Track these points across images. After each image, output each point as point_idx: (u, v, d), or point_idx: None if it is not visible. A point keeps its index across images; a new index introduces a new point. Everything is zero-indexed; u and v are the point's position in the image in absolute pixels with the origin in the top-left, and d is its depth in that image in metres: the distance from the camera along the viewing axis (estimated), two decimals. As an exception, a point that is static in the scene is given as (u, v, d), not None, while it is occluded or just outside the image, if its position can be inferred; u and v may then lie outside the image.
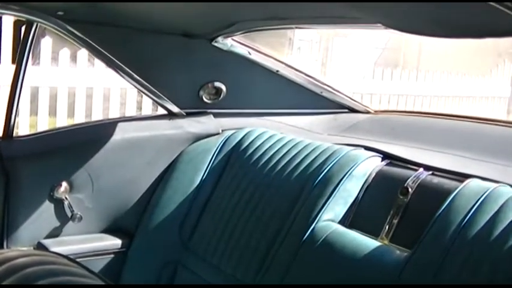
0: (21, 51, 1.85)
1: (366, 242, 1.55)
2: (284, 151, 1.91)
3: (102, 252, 1.99)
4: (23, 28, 1.84)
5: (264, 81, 2.21)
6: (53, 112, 5.14)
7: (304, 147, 1.89)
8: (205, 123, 2.17)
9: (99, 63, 5.04)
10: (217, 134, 2.17)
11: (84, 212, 1.98)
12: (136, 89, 2.34)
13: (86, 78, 5.20)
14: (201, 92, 2.14)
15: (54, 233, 1.96)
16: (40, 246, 1.90)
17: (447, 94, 8.27)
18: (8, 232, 1.86)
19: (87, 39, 1.85)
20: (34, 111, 5.06)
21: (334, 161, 1.75)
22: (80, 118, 5.23)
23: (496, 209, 1.38)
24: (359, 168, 1.72)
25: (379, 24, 1.41)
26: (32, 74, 4.61)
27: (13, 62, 4.62)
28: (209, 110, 2.20)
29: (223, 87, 2.15)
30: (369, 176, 1.72)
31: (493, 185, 1.45)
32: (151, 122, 2.14)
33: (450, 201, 1.45)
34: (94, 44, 1.87)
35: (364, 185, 1.70)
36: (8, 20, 4.82)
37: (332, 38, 9.68)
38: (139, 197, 2.08)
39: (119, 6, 1.66)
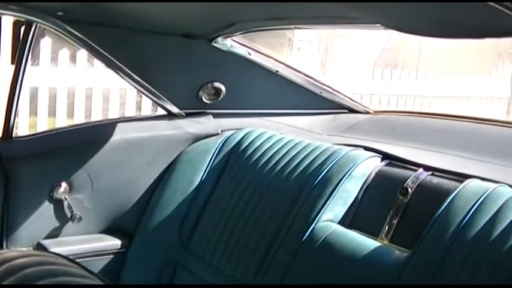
0: (20, 52, 1.85)
1: (365, 243, 1.55)
2: (284, 151, 1.91)
3: (101, 252, 1.99)
4: (23, 28, 1.84)
5: (263, 81, 2.21)
6: (52, 112, 5.14)
7: (304, 147, 1.89)
8: (204, 124, 2.17)
9: (98, 64, 5.03)
10: (217, 134, 2.17)
11: (83, 212, 1.98)
12: (135, 90, 2.34)
13: (86, 79, 5.19)
14: (201, 93, 2.14)
15: (54, 234, 1.96)
16: (39, 247, 1.90)
17: (447, 94, 8.27)
18: (8, 232, 1.86)
19: (86, 39, 1.85)
20: (33, 112, 5.05)
21: (334, 161, 1.75)
22: (79, 118, 5.23)
23: (495, 210, 1.38)
24: (358, 169, 1.72)
25: (378, 25, 1.41)
26: (32, 74, 4.60)
27: (12, 62, 4.62)
28: (209, 111, 2.20)
29: (223, 88, 2.15)
30: (368, 176, 1.71)
31: (492, 185, 1.45)
32: (151, 122, 2.14)
33: (450, 201, 1.45)
34: (93, 45, 1.87)
35: (364, 185, 1.70)
36: (8, 21, 4.82)
37: (332, 39, 9.69)
38: (139, 197, 2.08)
39: (118, 6, 1.66)
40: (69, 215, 1.95)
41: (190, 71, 2.08)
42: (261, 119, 2.27)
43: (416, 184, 1.60)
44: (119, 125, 2.05)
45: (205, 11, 1.68)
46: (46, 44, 4.98)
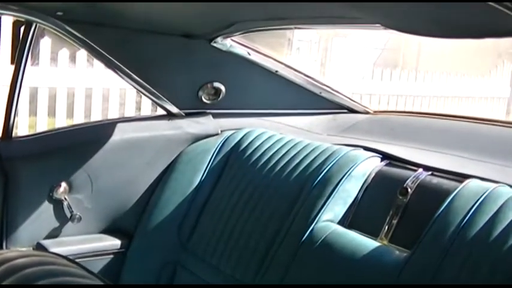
0: (20, 52, 1.85)
1: (365, 243, 1.55)
2: (283, 151, 1.91)
3: (101, 252, 1.99)
4: (22, 28, 1.84)
5: (263, 81, 2.21)
6: (52, 112, 5.14)
7: (304, 147, 1.89)
8: (204, 124, 2.17)
9: (98, 64, 5.03)
10: (217, 134, 2.17)
11: (83, 212, 1.98)
12: (135, 90, 2.34)
13: (85, 79, 5.20)
14: (200, 93, 2.14)
15: (54, 234, 1.96)
16: (39, 247, 1.90)
17: (446, 94, 8.28)
18: (7, 233, 1.86)
19: (86, 39, 1.85)
20: (33, 112, 5.05)
21: (334, 162, 1.75)
22: (79, 118, 5.23)
23: (495, 210, 1.38)
24: (358, 169, 1.72)
25: (378, 25, 1.41)
26: (31, 74, 4.60)
27: (12, 62, 4.61)
28: (208, 111, 2.20)
29: (223, 88, 2.15)
30: (368, 177, 1.71)
31: (492, 186, 1.45)
32: (151, 122, 2.14)
33: (449, 201, 1.45)
34: (93, 45, 1.87)
35: (364, 186, 1.70)
36: (7, 21, 4.81)
37: (331, 39, 9.69)
38: (139, 197, 2.08)
39: (118, 6, 1.66)
40: (68, 215, 1.95)
41: (190, 71, 2.08)
42: (261, 119, 2.26)
43: (416, 184, 1.60)
44: (119, 125, 2.05)
45: (205, 11, 1.68)
46: (46, 44, 4.98)
